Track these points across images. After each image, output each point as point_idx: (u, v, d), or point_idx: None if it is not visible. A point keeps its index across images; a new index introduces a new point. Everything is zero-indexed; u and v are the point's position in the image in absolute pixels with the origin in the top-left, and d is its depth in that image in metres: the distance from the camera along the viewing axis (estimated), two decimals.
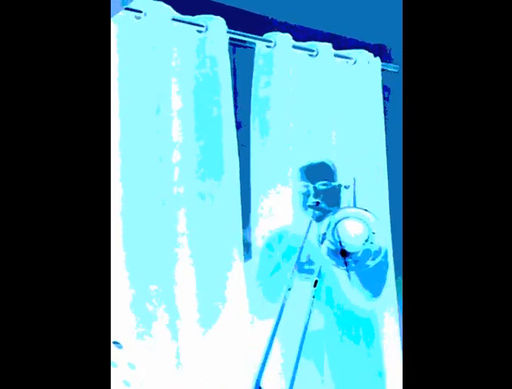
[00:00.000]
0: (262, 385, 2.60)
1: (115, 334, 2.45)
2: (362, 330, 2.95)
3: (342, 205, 2.87)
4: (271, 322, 2.71)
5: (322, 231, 2.71)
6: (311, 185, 2.81)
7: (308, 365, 2.82)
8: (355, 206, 2.83)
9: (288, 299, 2.71)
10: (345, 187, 2.85)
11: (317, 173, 2.87)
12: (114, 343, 2.47)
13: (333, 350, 2.88)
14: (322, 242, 2.69)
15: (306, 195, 2.81)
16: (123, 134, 2.65)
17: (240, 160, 2.89)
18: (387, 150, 3.28)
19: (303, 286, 2.78)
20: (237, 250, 2.85)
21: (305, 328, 2.72)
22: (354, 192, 2.82)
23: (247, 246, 2.92)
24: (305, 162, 2.91)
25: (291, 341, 2.74)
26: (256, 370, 2.61)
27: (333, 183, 2.84)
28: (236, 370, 2.80)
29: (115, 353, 2.46)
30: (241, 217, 2.87)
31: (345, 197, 2.88)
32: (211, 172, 2.83)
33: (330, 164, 2.91)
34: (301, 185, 2.83)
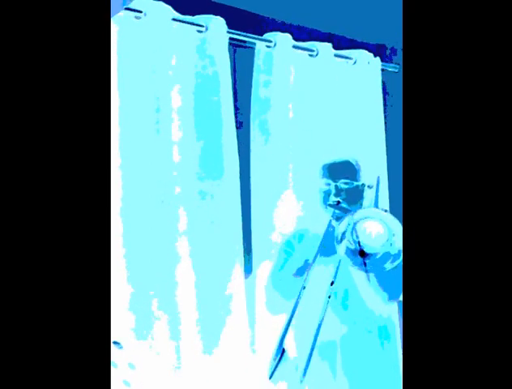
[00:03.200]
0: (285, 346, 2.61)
1: (115, 334, 2.45)
2: (379, 334, 2.94)
3: (364, 205, 2.84)
4: (282, 318, 2.72)
5: (341, 230, 2.68)
6: (333, 184, 2.79)
7: (321, 368, 2.82)
8: (376, 206, 2.81)
9: (302, 297, 2.71)
10: (368, 187, 2.83)
11: (340, 171, 2.85)
12: (114, 343, 2.47)
13: (348, 354, 2.87)
14: (340, 241, 2.67)
15: (327, 194, 2.78)
16: (123, 133, 2.65)
17: (240, 160, 2.89)
18: (387, 150, 3.28)
19: (319, 285, 2.78)
20: (237, 249, 2.85)
21: (319, 328, 2.72)
22: (377, 192, 2.80)
23: (248, 252, 2.92)
24: (328, 159, 2.88)
25: (305, 340, 2.74)
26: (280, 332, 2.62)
27: (355, 182, 2.82)
28: (236, 371, 2.80)
29: (115, 353, 2.46)
30: (240, 217, 2.87)
31: (368, 197, 2.85)
32: (211, 172, 2.83)
33: (354, 163, 2.88)
34: (323, 183, 2.80)
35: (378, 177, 2.83)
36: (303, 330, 2.81)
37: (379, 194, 2.85)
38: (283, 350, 2.71)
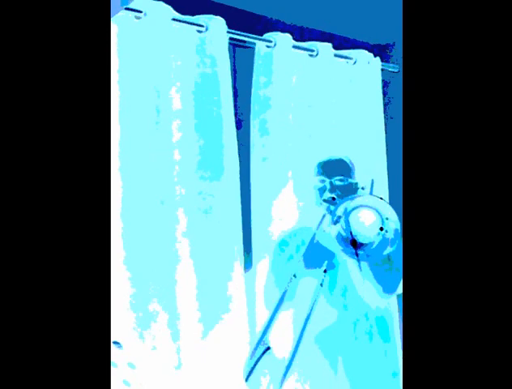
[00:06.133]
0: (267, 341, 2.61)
1: (115, 334, 2.45)
2: (377, 328, 2.94)
3: None
4: (282, 314, 2.71)
5: (338, 213, 2.68)
6: (327, 180, 2.81)
7: (322, 364, 2.82)
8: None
9: (291, 286, 2.70)
10: (362, 188, 2.84)
11: (335, 168, 2.86)
12: (114, 343, 2.47)
13: (347, 349, 2.87)
14: (335, 222, 2.66)
15: (322, 190, 2.81)
16: (123, 133, 2.65)
17: (240, 160, 2.89)
18: (387, 150, 3.28)
19: (312, 276, 2.78)
20: (238, 249, 2.85)
21: (308, 316, 2.71)
22: (371, 193, 2.81)
23: (248, 250, 2.92)
24: (322, 157, 2.90)
25: (296, 329, 2.74)
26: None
27: (349, 179, 2.84)
28: (235, 371, 2.80)
29: (115, 353, 2.46)
30: (240, 217, 2.87)
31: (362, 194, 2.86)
32: (211, 172, 2.83)
33: (348, 161, 2.90)
34: (317, 180, 2.82)
35: (372, 180, 2.85)
36: (296, 320, 2.80)
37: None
38: (268, 348, 2.70)
